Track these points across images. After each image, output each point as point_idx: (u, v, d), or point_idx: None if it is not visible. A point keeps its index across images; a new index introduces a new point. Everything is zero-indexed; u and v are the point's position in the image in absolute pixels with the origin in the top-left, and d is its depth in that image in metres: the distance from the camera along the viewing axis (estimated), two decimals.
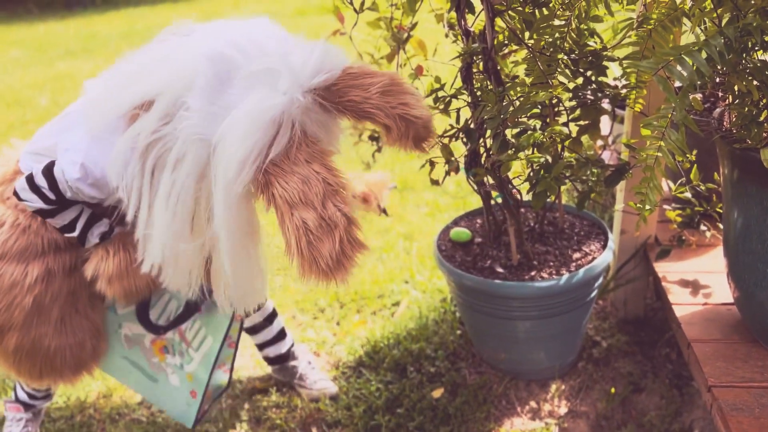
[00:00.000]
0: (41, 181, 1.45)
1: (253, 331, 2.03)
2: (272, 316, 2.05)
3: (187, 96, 1.27)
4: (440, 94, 1.79)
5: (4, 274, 1.51)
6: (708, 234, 1.97)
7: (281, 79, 1.24)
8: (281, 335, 2.08)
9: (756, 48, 1.31)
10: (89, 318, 1.65)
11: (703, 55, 1.21)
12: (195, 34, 1.41)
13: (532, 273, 1.87)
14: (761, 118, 1.38)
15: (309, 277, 1.22)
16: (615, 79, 1.72)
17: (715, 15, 1.32)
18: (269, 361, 2.12)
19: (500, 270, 1.91)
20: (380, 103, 1.28)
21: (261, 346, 2.08)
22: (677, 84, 1.32)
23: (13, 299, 1.52)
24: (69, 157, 1.42)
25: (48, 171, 1.44)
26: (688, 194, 1.83)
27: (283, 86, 1.24)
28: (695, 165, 1.75)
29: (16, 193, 1.48)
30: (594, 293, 1.94)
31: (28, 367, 1.60)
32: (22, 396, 1.91)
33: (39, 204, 1.47)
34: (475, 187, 1.93)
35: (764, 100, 1.38)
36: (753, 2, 1.25)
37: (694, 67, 1.19)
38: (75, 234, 1.53)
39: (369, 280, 2.64)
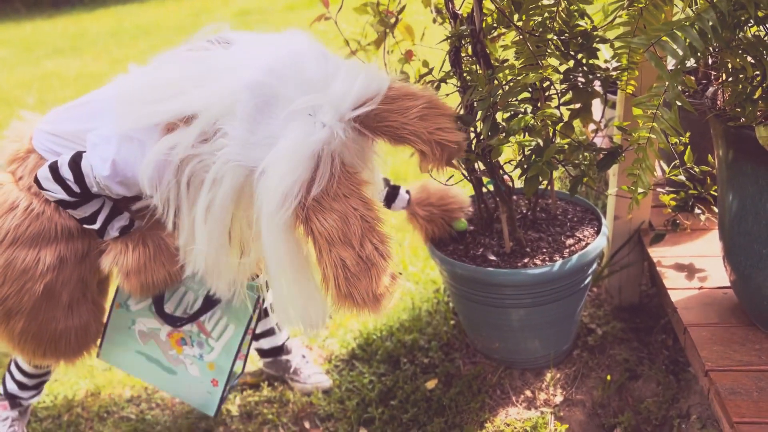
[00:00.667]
0: (67, 173, 1.43)
1: None
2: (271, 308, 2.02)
3: (226, 121, 1.29)
4: (428, 78, 1.76)
5: (15, 260, 1.49)
6: (703, 217, 1.95)
7: (322, 111, 1.26)
8: (278, 327, 2.05)
9: (750, 23, 1.28)
10: (96, 302, 1.65)
11: (696, 30, 1.18)
12: (234, 50, 1.41)
13: (525, 260, 1.85)
14: (756, 96, 1.35)
15: (343, 308, 1.27)
16: (606, 61, 1.69)
17: None
18: (262, 353, 2.09)
19: (493, 258, 1.88)
20: (417, 129, 1.29)
21: (257, 337, 2.06)
22: (670, 67, 1.29)
23: (24, 285, 1.50)
24: (99, 153, 1.41)
25: (75, 164, 1.42)
26: (682, 177, 1.80)
27: (324, 118, 1.25)
28: (689, 147, 1.73)
29: (37, 182, 1.46)
30: (588, 280, 1.91)
31: (33, 348, 1.60)
32: (11, 387, 1.87)
33: (62, 195, 1.45)
34: (466, 174, 1.90)
35: (759, 77, 1.35)
36: None
37: (687, 42, 1.16)
38: (95, 227, 1.51)
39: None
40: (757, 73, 1.35)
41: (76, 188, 1.43)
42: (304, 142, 1.23)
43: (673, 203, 1.91)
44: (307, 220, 1.24)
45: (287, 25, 1.46)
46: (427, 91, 1.36)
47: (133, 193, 1.46)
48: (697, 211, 1.93)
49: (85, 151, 1.44)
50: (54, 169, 1.43)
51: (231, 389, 1.92)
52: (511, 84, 1.54)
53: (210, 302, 1.69)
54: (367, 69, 1.33)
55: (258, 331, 2.04)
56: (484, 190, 1.97)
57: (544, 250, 1.88)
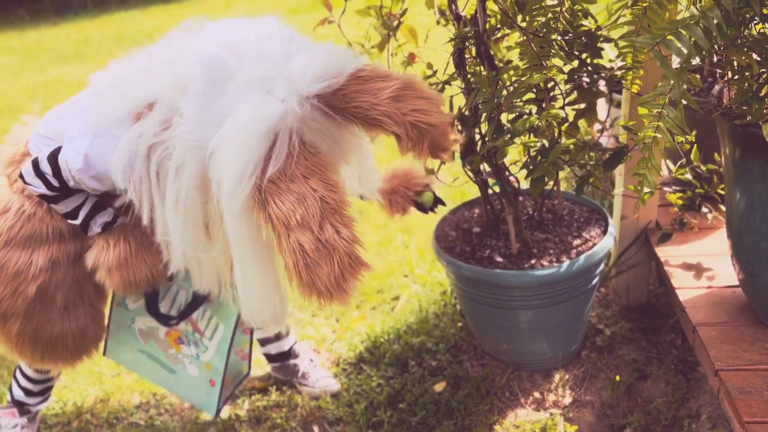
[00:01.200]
0: (46, 168, 1.43)
1: None
2: None
3: (182, 100, 1.25)
4: (433, 80, 1.76)
5: (8, 261, 1.50)
6: (710, 216, 1.94)
7: (277, 86, 1.20)
8: (284, 332, 2.05)
9: (755, 21, 1.27)
10: (93, 305, 1.64)
11: (700, 29, 1.17)
12: (202, 34, 1.38)
13: (532, 261, 1.84)
14: (762, 93, 1.35)
15: (309, 298, 1.19)
16: (610, 61, 1.68)
17: None
18: (270, 358, 2.09)
19: (499, 259, 1.87)
20: (389, 109, 1.21)
21: (262, 342, 2.05)
22: (675, 66, 1.28)
23: (17, 287, 1.51)
24: (74, 146, 1.40)
25: (53, 158, 1.43)
26: (689, 176, 1.79)
27: (280, 93, 1.19)
28: (695, 145, 1.72)
29: (21, 176, 1.46)
30: (595, 280, 1.90)
31: (30, 350, 1.60)
32: (18, 394, 1.88)
33: (42, 190, 1.45)
34: (472, 176, 1.89)
35: (765, 75, 1.34)
36: None
37: (692, 41, 1.16)
38: (77, 222, 1.51)
39: (367, 275, 2.60)
40: (763, 70, 1.34)
41: (54, 182, 1.43)
42: (259, 116, 1.17)
43: (680, 202, 1.90)
44: (264, 204, 1.17)
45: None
46: (407, 74, 1.28)
47: (107, 188, 1.44)
48: (704, 209, 1.92)
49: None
50: (35, 163, 1.44)
51: (236, 388, 1.91)
52: (516, 85, 1.54)
53: (197, 299, 1.67)
54: (331, 47, 1.27)
55: (262, 336, 2.04)
56: (490, 191, 1.96)
57: (551, 251, 1.87)
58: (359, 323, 2.35)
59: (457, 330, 2.20)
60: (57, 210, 1.51)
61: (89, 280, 1.61)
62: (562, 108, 1.70)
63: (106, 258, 1.51)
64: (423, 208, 1.90)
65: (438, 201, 1.91)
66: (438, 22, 1.86)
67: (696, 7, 1.39)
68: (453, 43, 1.69)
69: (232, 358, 1.79)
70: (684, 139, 1.62)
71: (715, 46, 1.38)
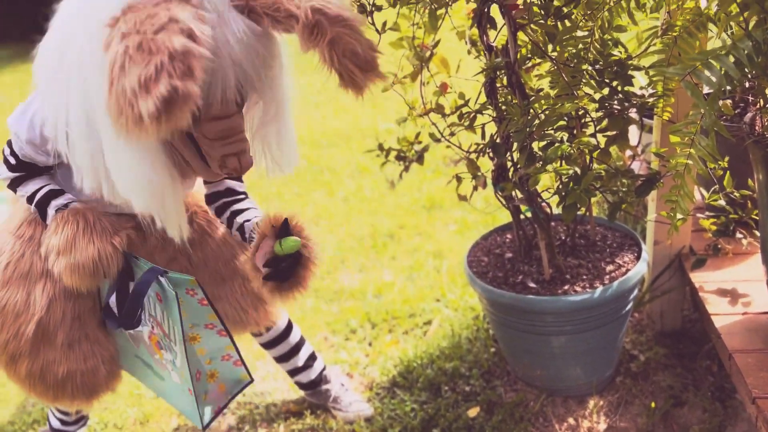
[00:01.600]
0: (6, 149, 1.44)
1: (281, 360, 2.02)
2: (299, 345, 2.02)
3: None
4: (465, 110, 1.79)
5: (8, 303, 1.51)
6: (744, 242, 1.93)
7: None
8: (310, 361, 2.06)
9: None
10: (101, 344, 1.60)
11: (731, 59, 1.19)
12: None
13: (565, 287, 1.85)
14: None
15: (119, 124, 1.01)
16: (641, 88, 1.70)
17: (741, 18, 1.30)
18: (302, 386, 2.11)
19: (533, 285, 1.88)
20: None
21: (291, 373, 2.07)
22: (705, 91, 1.30)
23: (19, 328, 1.51)
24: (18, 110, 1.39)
25: (9, 140, 1.44)
26: (722, 202, 1.79)
27: None
28: (728, 171, 1.72)
29: None
30: (629, 306, 1.90)
31: (42, 390, 1.58)
32: (55, 423, 1.93)
33: (6, 173, 1.46)
34: (504, 202, 1.92)
35: None
36: None
37: (722, 71, 1.18)
38: (33, 204, 1.48)
39: (399, 299, 2.63)
40: None
41: (12, 160, 1.43)
42: None
43: (714, 228, 1.89)
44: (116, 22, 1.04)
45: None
46: None
47: (39, 136, 1.36)
48: (738, 235, 1.91)
49: None
50: (3, 151, 1.46)
51: (234, 398, 1.72)
52: (547, 113, 1.56)
53: (123, 283, 1.52)
54: None
55: (290, 368, 2.04)
56: (522, 217, 1.98)
57: (584, 277, 1.88)
58: (392, 347, 2.37)
59: (490, 355, 2.21)
60: (20, 196, 1.49)
61: (93, 316, 1.58)
62: (593, 135, 1.72)
63: (53, 242, 1.44)
64: (276, 263, 1.39)
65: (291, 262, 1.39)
66: (469, 53, 1.90)
67: (727, 34, 1.41)
68: (484, 73, 1.72)
69: (223, 366, 1.67)
70: (716, 165, 1.63)
71: (747, 75, 1.39)
